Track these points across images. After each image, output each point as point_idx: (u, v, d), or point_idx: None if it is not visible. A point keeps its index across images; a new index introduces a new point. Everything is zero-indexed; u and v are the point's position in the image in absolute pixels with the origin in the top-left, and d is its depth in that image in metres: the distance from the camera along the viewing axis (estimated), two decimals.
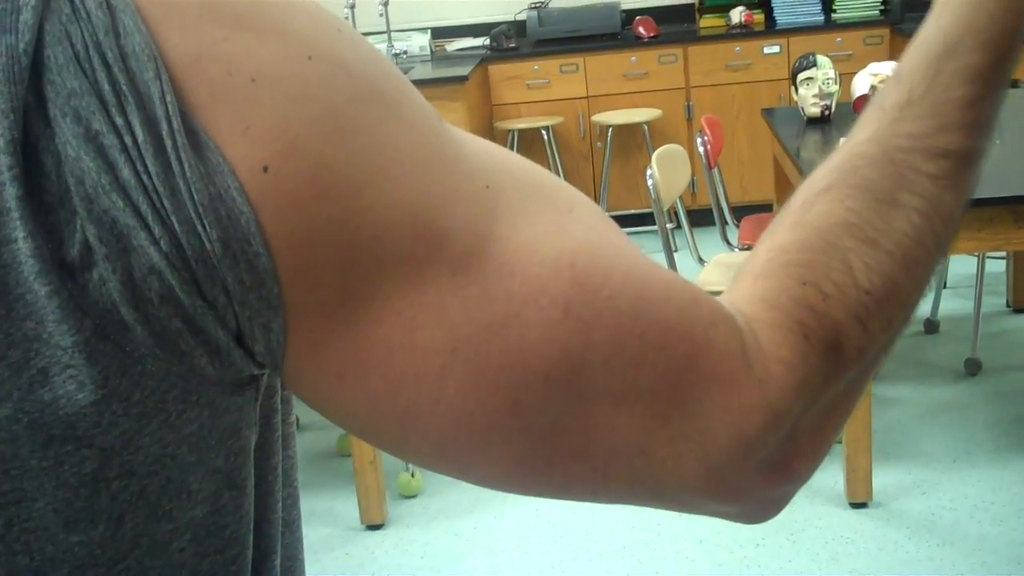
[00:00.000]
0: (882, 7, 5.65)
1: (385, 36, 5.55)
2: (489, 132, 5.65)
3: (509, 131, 5.62)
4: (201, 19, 0.45)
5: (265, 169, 0.44)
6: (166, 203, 0.43)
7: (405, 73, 0.50)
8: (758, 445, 0.53)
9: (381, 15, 5.52)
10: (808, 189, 0.60)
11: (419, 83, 4.91)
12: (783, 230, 0.59)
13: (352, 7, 5.38)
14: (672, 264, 3.57)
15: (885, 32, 5.56)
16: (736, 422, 0.53)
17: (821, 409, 0.57)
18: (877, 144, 0.60)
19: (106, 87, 0.43)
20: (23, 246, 0.42)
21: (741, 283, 0.58)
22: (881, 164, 0.59)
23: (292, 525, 0.58)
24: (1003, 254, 4.48)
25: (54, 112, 0.43)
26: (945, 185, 0.59)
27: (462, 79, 5.08)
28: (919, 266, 0.59)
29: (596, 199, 5.66)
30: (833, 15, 5.67)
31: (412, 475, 3.38)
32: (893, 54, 5.38)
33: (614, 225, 0.55)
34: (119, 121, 0.43)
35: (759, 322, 0.55)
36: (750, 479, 0.54)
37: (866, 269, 0.56)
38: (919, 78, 0.60)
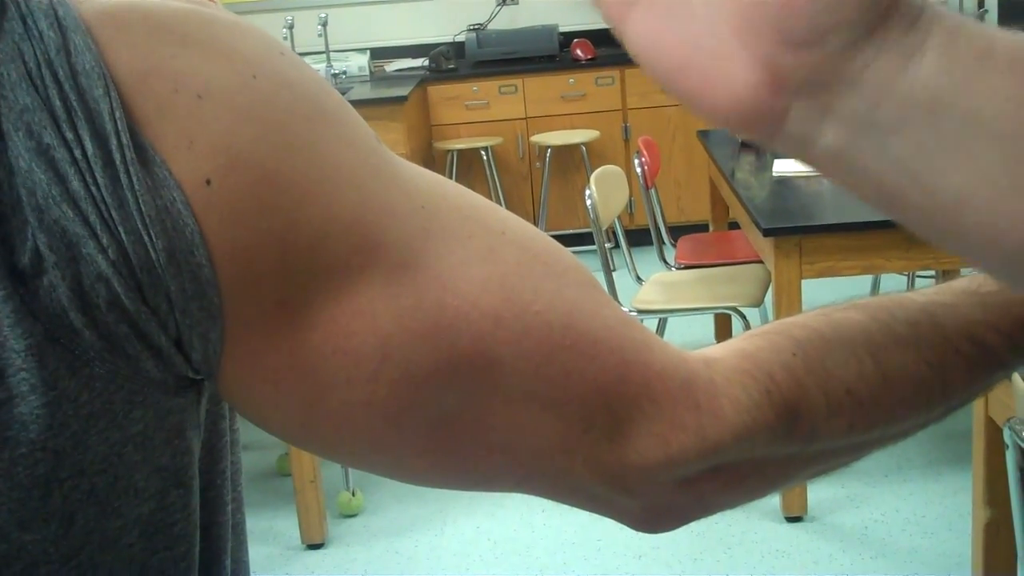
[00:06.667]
0: None
1: (324, 56, 5.55)
2: (428, 152, 5.66)
3: (448, 151, 5.64)
4: (149, 38, 0.47)
5: (208, 182, 0.46)
6: (114, 214, 0.45)
7: (344, 93, 0.51)
8: (680, 463, 0.56)
9: (320, 35, 5.51)
10: (848, 300, 0.63)
11: (358, 103, 4.91)
12: (805, 314, 0.62)
13: (291, 27, 5.37)
14: (611, 283, 3.61)
15: None
16: (663, 436, 0.55)
17: (754, 463, 0.59)
18: (929, 302, 0.63)
19: (57, 103, 0.45)
20: None
21: (737, 337, 0.61)
22: (922, 316, 0.62)
23: (238, 528, 0.60)
24: (932, 273, 4.58)
25: (7, 126, 0.44)
26: (964, 367, 0.62)
27: (401, 99, 5.09)
28: (903, 405, 0.61)
29: (535, 219, 5.69)
30: None
31: (352, 494, 3.37)
32: None
33: (550, 244, 0.57)
34: (69, 135, 0.45)
35: (724, 364, 0.58)
36: (661, 485, 0.57)
37: (859, 374, 0.59)
38: (992, 282, 0.63)
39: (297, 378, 0.50)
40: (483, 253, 0.53)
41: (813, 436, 0.59)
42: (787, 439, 0.58)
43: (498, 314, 0.51)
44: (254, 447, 3.75)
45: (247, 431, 0.61)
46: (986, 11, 5.47)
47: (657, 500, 0.58)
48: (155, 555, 0.51)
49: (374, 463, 0.55)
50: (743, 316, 3.53)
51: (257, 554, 3.20)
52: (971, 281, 0.64)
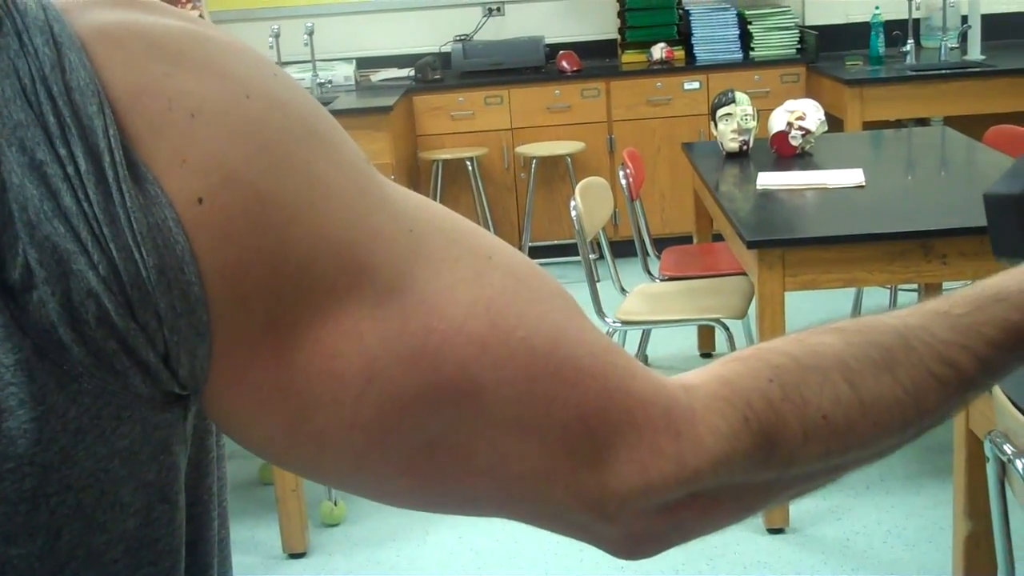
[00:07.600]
0: (798, 46, 5.79)
1: (310, 65, 5.55)
2: (414, 162, 5.67)
3: (434, 161, 5.64)
4: (144, 56, 0.48)
5: (200, 201, 0.47)
6: (105, 230, 0.45)
7: (329, 103, 0.51)
8: (659, 490, 0.56)
9: (306, 44, 5.52)
10: (823, 324, 0.64)
11: (343, 113, 4.91)
12: (781, 339, 0.63)
13: (277, 36, 5.38)
14: (595, 294, 3.62)
15: (801, 70, 5.68)
16: (642, 463, 0.55)
17: (732, 489, 0.60)
18: (902, 325, 0.64)
19: (51, 119, 0.45)
20: None
21: (715, 362, 0.62)
22: (896, 339, 0.63)
23: (223, 543, 0.60)
24: (915, 286, 4.60)
25: (0, 142, 0.45)
26: (937, 388, 0.63)
27: (387, 109, 5.09)
28: (879, 429, 0.62)
29: (520, 230, 5.69)
30: (751, 53, 5.79)
31: (335, 503, 3.36)
32: (809, 91, 5.50)
33: (536, 269, 0.57)
34: (63, 152, 0.45)
35: (703, 390, 0.58)
36: (640, 512, 0.57)
37: (834, 399, 0.60)
38: (963, 303, 0.65)
39: (282, 397, 0.50)
40: (469, 277, 0.53)
41: (790, 462, 0.60)
42: (764, 465, 0.59)
43: (484, 339, 0.52)
44: (236, 456, 3.70)
45: (230, 440, 0.61)
46: (969, 27, 5.51)
47: (636, 527, 0.58)
48: (139, 571, 0.51)
49: (355, 484, 0.55)
50: (726, 328, 3.54)
51: (239, 563, 3.19)
52: (943, 302, 0.65)
